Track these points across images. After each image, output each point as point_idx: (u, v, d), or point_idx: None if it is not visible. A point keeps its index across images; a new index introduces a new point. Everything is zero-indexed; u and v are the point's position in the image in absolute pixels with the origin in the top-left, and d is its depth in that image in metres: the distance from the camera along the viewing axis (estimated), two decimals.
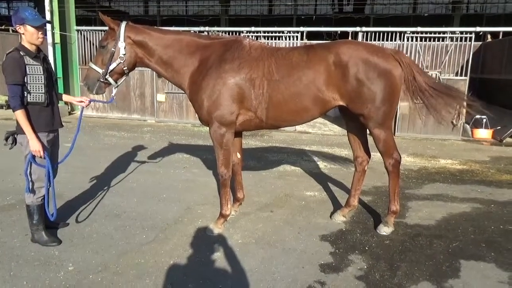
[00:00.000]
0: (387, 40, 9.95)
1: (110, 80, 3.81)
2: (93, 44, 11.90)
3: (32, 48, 3.53)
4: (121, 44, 3.72)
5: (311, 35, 11.56)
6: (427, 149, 8.50)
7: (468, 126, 10.06)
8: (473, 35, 9.51)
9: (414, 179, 6.07)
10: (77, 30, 11.93)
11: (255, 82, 3.63)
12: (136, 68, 4.13)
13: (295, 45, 10.17)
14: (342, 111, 4.14)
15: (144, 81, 11.45)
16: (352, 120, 4.15)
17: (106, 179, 5.68)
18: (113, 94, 4.00)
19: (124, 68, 3.79)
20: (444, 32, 9.97)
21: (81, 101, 3.97)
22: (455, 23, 28.30)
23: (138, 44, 3.79)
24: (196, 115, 4.02)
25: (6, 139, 3.60)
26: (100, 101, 4.44)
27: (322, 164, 6.89)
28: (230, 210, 4.06)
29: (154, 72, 11.00)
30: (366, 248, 3.71)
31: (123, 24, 3.75)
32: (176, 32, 3.96)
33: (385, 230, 4.02)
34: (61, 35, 12.03)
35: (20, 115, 3.40)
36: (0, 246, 3.61)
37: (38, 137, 3.49)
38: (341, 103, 3.75)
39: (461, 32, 9.67)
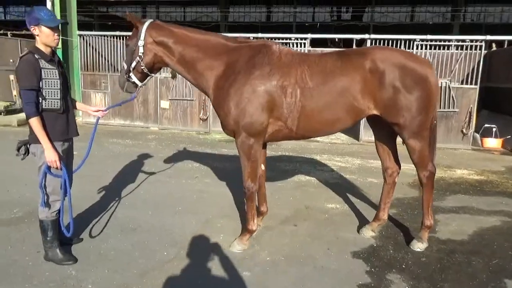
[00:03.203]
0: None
1: (134, 78, 3.66)
2: (95, 50, 11.67)
3: (47, 50, 3.31)
4: (140, 43, 3.55)
5: (314, 42, 11.40)
6: (440, 158, 8.31)
7: (477, 135, 9.93)
8: (483, 44, 9.42)
9: (435, 190, 5.80)
10: (79, 35, 11.68)
11: (287, 89, 3.42)
12: None
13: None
14: (371, 120, 3.94)
15: (148, 87, 11.19)
16: (381, 129, 3.96)
17: (116, 190, 5.42)
18: (134, 93, 3.80)
19: (142, 67, 3.61)
20: (453, 40, 9.87)
21: (98, 110, 3.75)
22: (455, 32, 28.41)
23: (160, 43, 3.59)
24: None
25: (18, 149, 3.36)
26: (117, 105, 4.21)
27: (336, 174, 6.68)
28: (256, 226, 3.82)
29: (157, 79, 10.88)
30: (403, 266, 3.49)
31: (146, 23, 3.57)
32: (202, 32, 3.75)
33: (419, 246, 3.81)
34: (62, 40, 11.77)
35: (35, 122, 3.17)
36: (11, 264, 3.34)
37: (54, 147, 3.25)
38: (375, 112, 3.56)
39: (471, 41, 9.57)
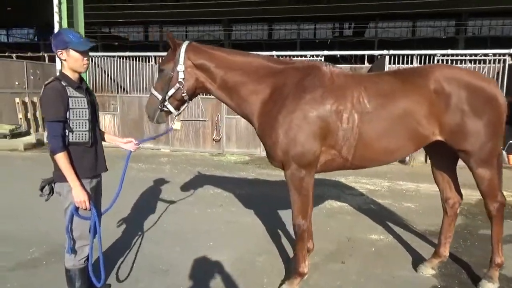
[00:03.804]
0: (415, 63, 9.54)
1: (170, 107, 3.29)
2: (103, 71, 11.39)
3: (74, 77, 2.95)
4: (180, 67, 3.19)
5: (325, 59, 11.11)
6: (471, 178, 7.89)
7: (504, 152, 9.54)
8: (507, 57, 9.13)
9: (479, 215, 5.48)
10: None
11: (343, 115, 3.06)
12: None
13: None
14: (430, 146, 3.55)
15: None
16: (442, 156, 3.60)
17: (137, 222, 5.01)
18: (171, 124, 3.48)
19: (183, 95, 3.24)
20: (467, 55, 9.59)
21: (129, 142, 3.38)
22: (460, 46, 28.36)
23: (199, 67, 3.24)
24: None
25: (42, 188, 2.97)
26: (152, 138, 3.87)
27: (368, 199, 6.27)
28: (308, 268, 3.40)
29: None
30: None
31: (184, 45, 3.22)
32: (243, 53, 3.40)
33: (489, 287, 3.37)
34: None
35: (62, 159, 2.78)
36: None
37: (82, 185, 2.86)
38: (440, 138, 3.19)
39: (494, 54, 9.28)
